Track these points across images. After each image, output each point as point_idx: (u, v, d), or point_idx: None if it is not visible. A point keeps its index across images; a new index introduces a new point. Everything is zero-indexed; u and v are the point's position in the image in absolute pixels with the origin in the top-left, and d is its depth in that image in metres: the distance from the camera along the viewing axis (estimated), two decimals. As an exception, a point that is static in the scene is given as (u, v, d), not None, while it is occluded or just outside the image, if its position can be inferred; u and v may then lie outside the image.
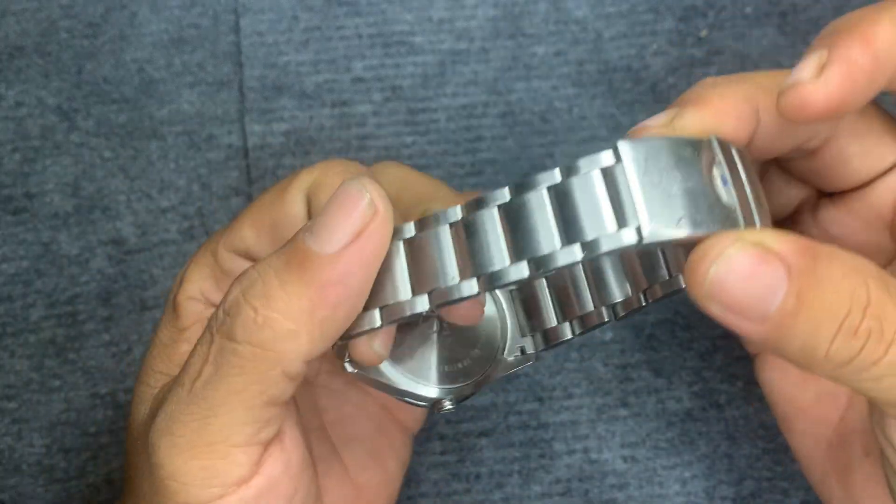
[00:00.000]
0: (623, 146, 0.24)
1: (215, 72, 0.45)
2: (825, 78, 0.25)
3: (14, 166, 0.43)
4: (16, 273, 0.42)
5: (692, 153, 0.25)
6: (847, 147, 0.29)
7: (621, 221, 0.24)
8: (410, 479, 0.39)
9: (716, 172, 0.25)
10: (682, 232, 0.24)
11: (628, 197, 0.24)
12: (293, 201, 0.31)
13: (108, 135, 0.44)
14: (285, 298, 0.25)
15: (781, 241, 0.23)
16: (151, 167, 0.44)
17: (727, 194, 0.25)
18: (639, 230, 0.23)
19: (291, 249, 0.26)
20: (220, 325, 0.26)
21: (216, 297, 0.32)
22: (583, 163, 0.24)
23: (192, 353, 0.27)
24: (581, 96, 0.45)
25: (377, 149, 0.44)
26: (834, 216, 0.31)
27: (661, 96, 0.44)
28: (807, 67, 0.26)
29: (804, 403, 0.33)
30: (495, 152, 0.44)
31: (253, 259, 0.31)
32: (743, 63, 0.45)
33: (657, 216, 0.23)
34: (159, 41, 0.45)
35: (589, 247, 0.24)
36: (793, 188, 0.32)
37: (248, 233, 0.31)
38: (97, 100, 0.44)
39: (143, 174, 0.43)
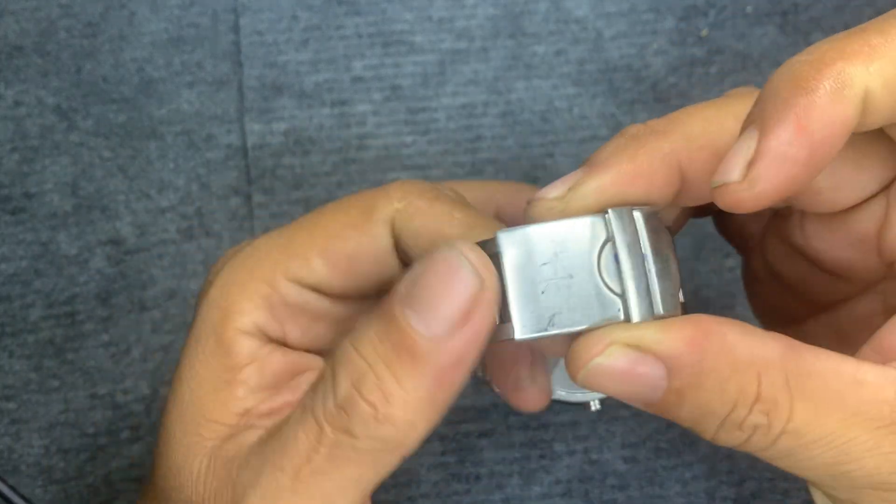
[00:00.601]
0: (502, 238, 0.24)
1: (214, 71, 0.45)
2: (752, 178, 0.24)
3: (13, 166, 0.43)
4: (14, 273, 0.42)
5: (579, 235, 0.24)
6: (818, 182, 0.27)
7: (504, 317, 0.24)
8: (410, 480, 0.39)
9: (606, 252, 0.25)
10: (553, 331, 0.24)
11: (505, 294, 0.24)
12: (379, 235, 0.28)
13: (107, 134, 0.44)
14: (403, 395, 0.24)
15: (663, 339, 0.23)
16: (150, 167, 0.43)
17: (615, 278, 0.24)
18: (513, 329, 0.24)
19: (397, 335, 0.24)
20: (334, 418, 0.24)
21: (274, 332, 0.29)
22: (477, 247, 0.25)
23: (288, 435, 0.25)
24: (581, 96, 0.44)
25: (377, 148, 0.44)
26: (818, 232, 0.30)
27: (661, 95, 0.44)
28: (734, 166, 0.24)
29: None
30: (495, 152, 0.44)
31: (323, 293, 0.29)
32: (744, 62, 0.45)
33: (527, 317, 0.24)
34: (158, 40, 0.45)
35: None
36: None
37: (319, 264, 0.28)
38: (96, 99, 0.44)
39: (142, 174, 0.43)
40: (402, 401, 0.24)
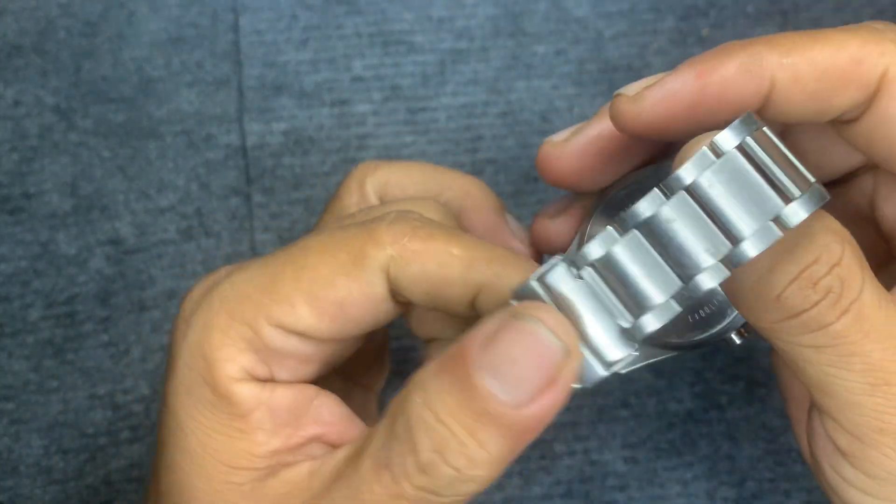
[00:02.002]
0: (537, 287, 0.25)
1: (214, 71, 0.45)
2: (639, 96, 0.27)
3: (12, 166, 0.43)
4: (14, 273, 0.42)
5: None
6: (801, 144, 0.30)
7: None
8: (410, 481, 0.39)
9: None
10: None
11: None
12: (373, 283, 0.27)
13: (107, 134, 0.44)
14: (488, 457, 0.24)
15: None
16: (150, 167, 0.43)
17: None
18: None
19: (480, 404, 0.23)
20: (415, 478, 0.24)
21: (262, 374, 0.28)
22: None
23: (361, 488, 0.25)
24: (582, 95, 0.44)
25: (377, 148, 0.44)
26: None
27: (661, 96, 0.44)
28: (637, 84, 0.27)
29: None
30: (495, 152, 0.44)
31: (309, 338, 0.28)
32: (744, 62, 0.45)
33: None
34: (158, 40, 0.45)
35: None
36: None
37: (305, 312, 0.27)
38: (95, 99, 0.44)
39: (141, 174, 0.43)
40: (486, 463, 0.24)
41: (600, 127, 0.29)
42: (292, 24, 0.45)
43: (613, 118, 0.27)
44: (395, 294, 0.28)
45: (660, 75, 0.27)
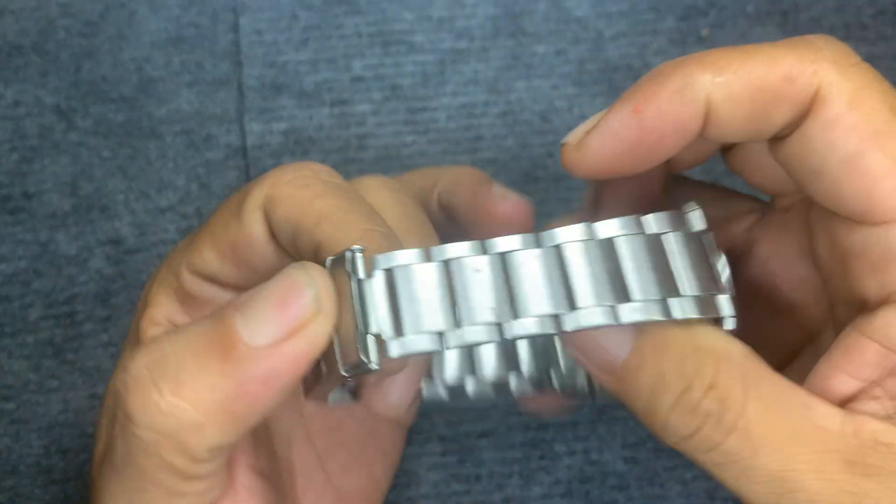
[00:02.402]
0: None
1: (214, 71, 0.45)
2: (583, 143, 0.27)
3: (12, 166, 0.43)
4: (14, 273, 0.42)
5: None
6: (743, 162, 0.30)
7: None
8: (410, 480, 0.39)
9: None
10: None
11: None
12: (250, 221, 0.28)
13: (107, 134, 0.44)
14: (198, 388, 0.23)
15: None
16: (150, 167, 0.43)
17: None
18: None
19: (217, 328, 0.23)
20: (121, 399, 0.23)
21: (181, 321, 0.30)
22: None
23: (103, 414, 0.26)
24: (582, 95, 0.44)
25: (377, 148, 0.44)
26: (769, 251, 0.31)
27: (661, 95, 0.44)
28: (578, 131, 0.27)
29: None
30: (495, 152, 0.44)
31: (220, 283, 0.29)
32: (744, 62, 0.45)
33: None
34: (158, 40, 0.45)
35: None
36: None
37: (210, 256, 0.29)
38: (95, 99, 0.44)
39: (141, 174, 0.43)
40: (194, 394, 0.23)
41: (609, 129, 0.27)
42: (292, 24, 0.45)
43: (564, 167, 0.27)
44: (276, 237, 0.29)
45: (599, 115, 0.27)
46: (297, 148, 0.44)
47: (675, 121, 0.26)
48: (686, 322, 0.25)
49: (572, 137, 0.27)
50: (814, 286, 0.29)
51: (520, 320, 0.24)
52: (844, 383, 0.25)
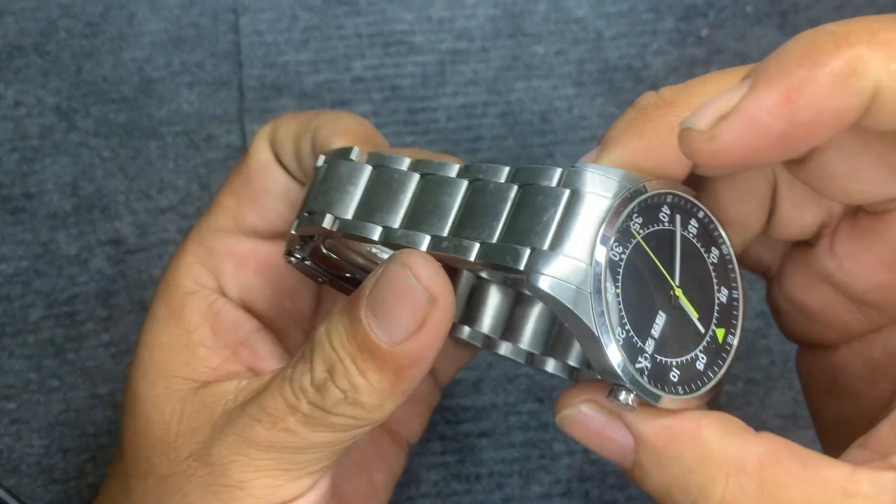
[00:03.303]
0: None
1: (214, 71, 0.45)
2: (715, 132, 0.22)
3: (13, 166, 0.43)
4: (14, 273, 0.42)
5: None
6: (831, 163, 0.25)
7: None
8: (410, 480, 0.39)
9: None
10: None
11: None
12: (259, 150, 0.32)
13: (108, 134, 0.44)
14: (368, 386, 0.26)
15: (636, 414, 0.24)
16: (150, 167, 0.43)
17: None
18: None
19: (362, 337, 0.26)
20: (310, 394, 0.27)
21: (208, 282, 0.32)
22: None
23: (267, 397, 0.27)
24: (581, 96, 0.44)
25: (377, 148, 0.44)
26: (850, 250, 0.27)
27: (661, 96, 0.44)
28: (705, 114, 0.22)
29: None
30: (495, 152, 0.44)
31: (241, 233, 0.32)
32: (744, 62, 0.45)
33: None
34: (158, 41, 0.45)
35: None
36: (810, 206, 0.27)
37: (228, 201, 0.32)
38: (96, 99, 0.44)
39: (142, 174, 0.43)
40: (367, 390, 0.26)
41: (752, 119, 0.22)
42: (292, 24, 0.45)
43: (688, 157, 0.23)
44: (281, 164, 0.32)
45: (729, 94, 0.22)
46: (298, 148, 0.44)
47: (835, 112, 0.21)
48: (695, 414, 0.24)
49: (701, 121, 0.22)
50: None
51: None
52: None
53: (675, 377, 0.24)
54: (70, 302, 0.42)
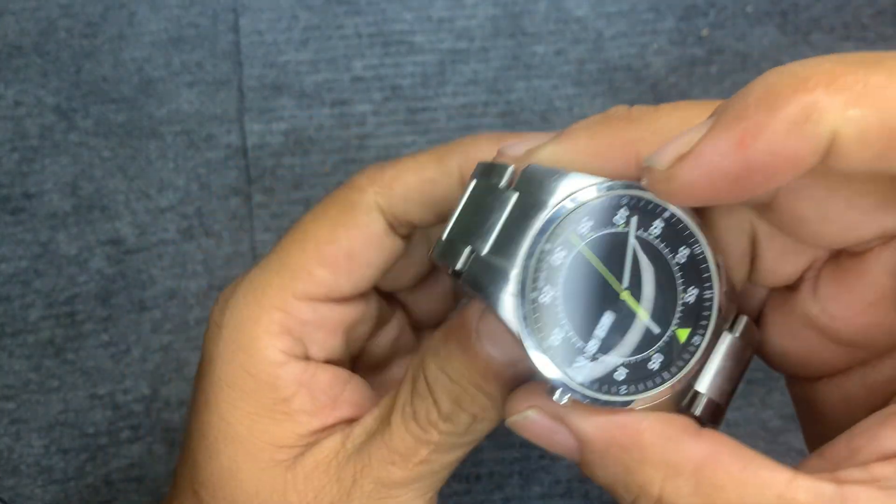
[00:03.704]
0: None
1: (214, 71, 0.45)
2: (673, 173, 0.22)
3: (12, 166, 0.43)
4: (14, 273, 0.42)
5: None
6: (800, 208, 0.25)
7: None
8: (410, 480, 0.39)
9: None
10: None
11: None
12: (370, 223, 0.30)
13: (107, 134, 0.44)
14: (495, 401, 0.27)
15: (578, 417, 0.25)
16: (150, 167, 0.43)
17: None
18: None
19: (479, 363, 0.27)
20: (440, 424, 0.28)
21: (299, 353, 0.30)
22: None
23: (392, 439, 0.28)
24: (581, 95, 0.44)
25: (377, 148, 0.44)
26: (833, 292, 0.27)
27: (661, 95, 0.44)
28: (666, 153, 0.23)
29: None
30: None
31: (334, 300, 0.30)
32: (744, 62, 0.45)
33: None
34: (158, 40, 0.45)
35: None
36: (791, 254, 0.27)
37: (323, 273, 0.30)
38: (96, 99, 0.44)
39: (141, 174, 0.43)
40: (494, 407, 0.27)
41: (707, 161, 0.22)
42: (292, 24, 0.45)
43: (651, 191, 0.24)
44: (394, 226, 0.31)
45: (689, 134, 0.22)
46: (298, 148, 0.44)
47: (790, 157, 0.21)
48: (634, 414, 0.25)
49: (659, 161, 0.23)
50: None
51: None
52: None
53: (620, 377, 0.25)
54: (70, 302, 0.42)
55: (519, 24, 0.45)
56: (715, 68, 0.45)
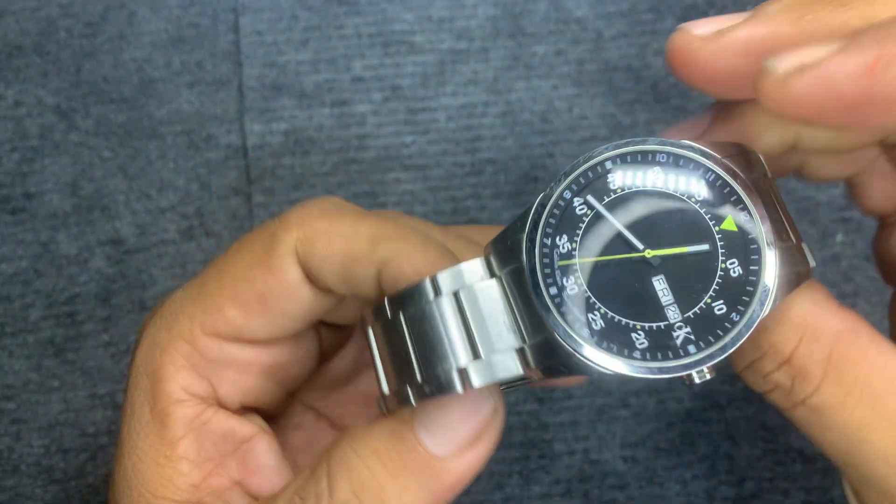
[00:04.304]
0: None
1: (214, 71, 0.45)
2: (788, 82, 0.22)
3: (13, 166, 0.43)
4: (14, 273, 0.42)
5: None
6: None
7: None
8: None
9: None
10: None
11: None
12: (284, 269, 0.27)
13: (107, 134, 0.44)
14: None
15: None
16: (150, 167, 0.43)
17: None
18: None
19: (407, 451, 0.24)
20: None
21: (203, 391, 0.28)
22: None
23: None
24: (581, 96, 0.44)
25: (377, 148, 0.44)
26: None
27: (661, 96, 0.44)
28: (787, 62, 0.22)
29: None
30: (495, 152, 0.44)
31: (244, 341, 0.28)
32: (744, 62, 0.45)
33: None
34: (158, 40, 0.45)
35: None
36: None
37: (234, 313, 0.27)
38: (96, 99, 0.44)
39: (142, 174, 0.43)
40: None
41: (829, 79, 0.21)
42: (292, 24, 0.45)
43: (757, 94, 0.22)
44: (312, 279, 0.27)
45: (819, 47, 0.21)
46: (297, 148, 0.44)
47: None
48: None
49: (779, 67, 0.21)
50: None
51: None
52: None
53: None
54: (70, 302, 0.42)
55: (519, 24, 0.45)
56: (715, 68, 0.45)
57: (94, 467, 0.40)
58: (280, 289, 0.27)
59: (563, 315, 0.23)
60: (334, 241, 0.26)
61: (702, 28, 0.24)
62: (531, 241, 0.24)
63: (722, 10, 0.45)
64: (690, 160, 0.24)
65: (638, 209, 0.24)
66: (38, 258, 0.42)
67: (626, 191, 0.24)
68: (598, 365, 0.23)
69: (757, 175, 0.25)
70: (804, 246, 0.25)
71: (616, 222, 0.24)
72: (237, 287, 0.27)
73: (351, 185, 0.43)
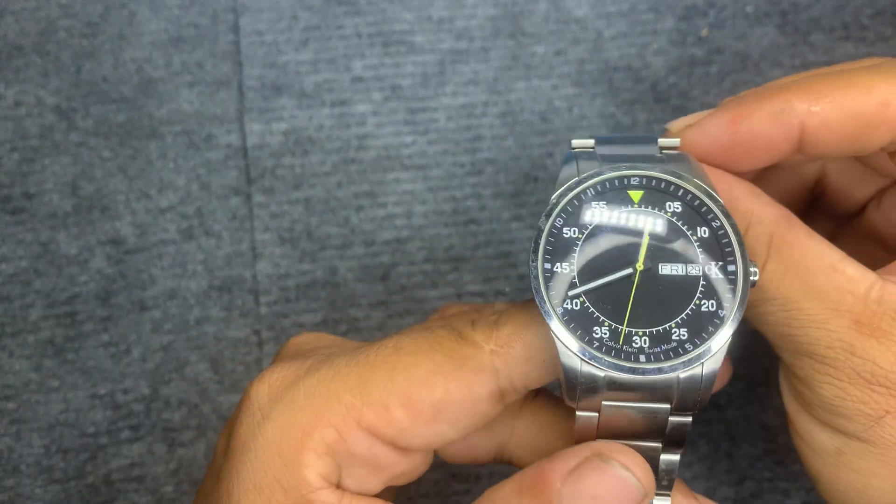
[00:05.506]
0: None
1: (214, 71, 0.45)
2: (682, 135, 0.29)
3: (13, 166, 0.43)
4: (14, 273, 0.42)
5: None
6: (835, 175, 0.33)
7: None
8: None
9: None
10: None
11: None
12: (476, 385, 0.27)
13: (107, 134, 0.44)
14: None
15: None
16: (150, 167, 0.43)
17: None
18: None
19: None
20: None
21: (334, 478, 0.27)
22: None
23: None
24: (581, 96, 0.44)
25: (377, 148, 0.44)
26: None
27: (661, 96, 0.44)
28: (682, 120, 0.30)
29: None
30: (495, 152, 0.44)
31: (397, 446, 0.27)
32: (744, 62, 0.45)
33: None
34: (158, 40, 0.45)
35: None
36: (866, 181, 0.34)
37: (401, 415, 0.26)
38: (96, 99, 0.44)
39: (142, 174, 0.43)
40: None
41: (706, 131, 0.30)
42: (292, 24, 0.45)
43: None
44: (505, 393, 0.28)
45: (703, 112, 0.30)
46: (298, 148, 0.44)
47: (766, 140, 0.29)
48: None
49: (675, 126, 0.30)
50: None
51: None
52: None
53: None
54: (70, 302, 0.42)
55: (519, 24, 0.45)
56: (715, 68, 0.45)
57: (94, 467, 0.40)
58: (464, 401, 0.27)
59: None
60: (527, 333, 0.28)
61: (679, 124, 0.31)
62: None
63: (721, 11, 0.45)
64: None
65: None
66: (38, 258, 0.42)
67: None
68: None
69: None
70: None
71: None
72: (412, 390, 0.26)
73: (351, 185, 0.43)
